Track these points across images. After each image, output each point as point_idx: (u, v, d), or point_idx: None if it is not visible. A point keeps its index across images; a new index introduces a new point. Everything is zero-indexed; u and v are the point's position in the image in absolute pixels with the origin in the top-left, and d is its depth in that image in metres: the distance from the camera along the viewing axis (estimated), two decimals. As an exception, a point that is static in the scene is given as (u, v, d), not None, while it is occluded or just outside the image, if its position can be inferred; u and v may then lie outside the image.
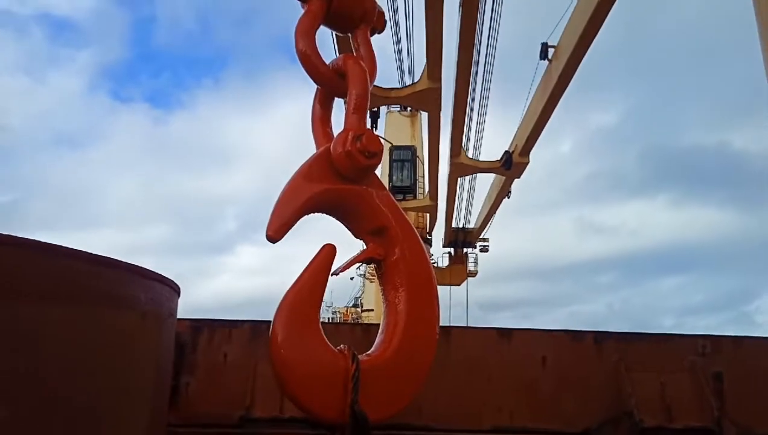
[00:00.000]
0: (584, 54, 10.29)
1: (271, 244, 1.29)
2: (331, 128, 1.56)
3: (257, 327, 5.35)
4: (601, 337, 3.72)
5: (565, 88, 11.19)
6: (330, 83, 1.52)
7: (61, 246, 1.03)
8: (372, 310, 22.25)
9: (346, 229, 1.49)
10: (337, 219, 1.48)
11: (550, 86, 11.26)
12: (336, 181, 1.39)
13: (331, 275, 1.35)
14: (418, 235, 1.52)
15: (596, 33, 9.93)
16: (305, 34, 1.48)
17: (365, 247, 1.45)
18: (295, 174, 1.37)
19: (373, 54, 1.63)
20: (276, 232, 1.29)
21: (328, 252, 1.33)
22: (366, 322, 22.01)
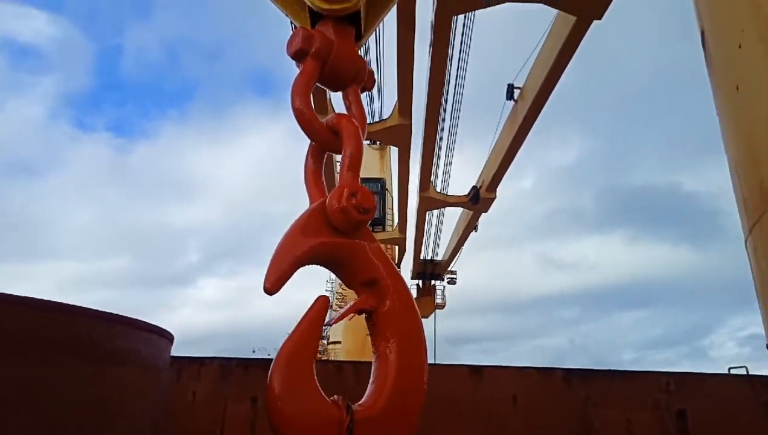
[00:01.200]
0: (548, 96, 10.73)
1: (269, 296, 1.33)
2: (323, 182, 1.63)
3: (227, 365, 5.24)
4: (569, 374, 3.82)
5: (530, 128, 11.60)
6: (324, 140, 1.59)
7: (66, 304, 1.05)
8: (339, 341, 21.99)
9: (339, 278, 1.54)
10: (331, 270, 1.53)
11: (516, 125, 11.65)
12: (331, 234, 1.45)
13: (325, 326, 1.39)
14: (406, 284, 1.59)
15: (560, 76, 10.39)
16: (301, 93, 1.56)
17: (357, 297, 1.51)
18: (291, 227, 1.43)
19: (364, 112, 1.72)
20: (273, 285, 1.33)
21: (322, 304, 1.38)
22: (332, 355, 21.65)
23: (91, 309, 1.04)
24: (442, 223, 19.55)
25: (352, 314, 1.48)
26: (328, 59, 1.63)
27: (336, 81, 1.69)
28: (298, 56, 1.61)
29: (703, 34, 2.06)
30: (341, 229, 1.46)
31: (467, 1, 8.84)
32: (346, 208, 1.43)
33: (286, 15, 1.90)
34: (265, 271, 1.34)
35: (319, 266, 1.48)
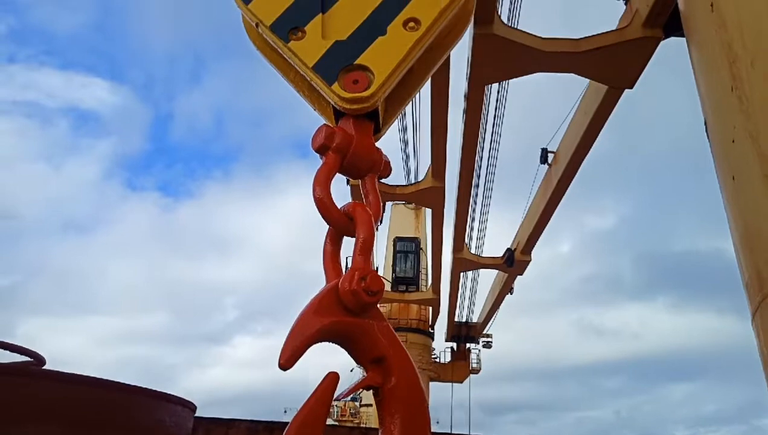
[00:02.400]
0: (582, 161, 10.80)
1: (283, 371, 1.46)
2: (340, 264, 1.78)
3: (254, 428, 5.32)
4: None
5: (564, 192, 11.63)
6: (341, 225, 1.75)
7: (87, 377, 1.20)
8: (371, 404, 21.59)
9: (349, 355, 1.66)
10: (342, 347, 1.65)
11: (550, 189, 11.71)
12: (342, 314, 1.58)
13: (334, 401, 1.50)
14: (414, 363, 1.69)
15: (593, 142, 10.50)
16: (322, 183, 1.74)
17: (365, 374, 1.62)
18: (306, 307, 1.56)
19: (379, 200, 1.88)
20: (287, 361, 1.46)
21: (332, 380, 1.49)
22: (364, 418, 21.23)
23: (112, 381, 1.18)
24: (477, 283, 19.42)
25: (361, 389, 1.59)
26: (347, 153, 1.81)
27: (355, 171, 1.87)
28: (321, 150, 1.80)
29: (705, 123, 2.17)
30: (352, 309, 1.59)
31: (499, 71, 9.15)
32: (356, 290, 1.56)
33: (314, 109, 2.12)
34: (281, 348, 1.47)
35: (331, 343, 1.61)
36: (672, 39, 8.10)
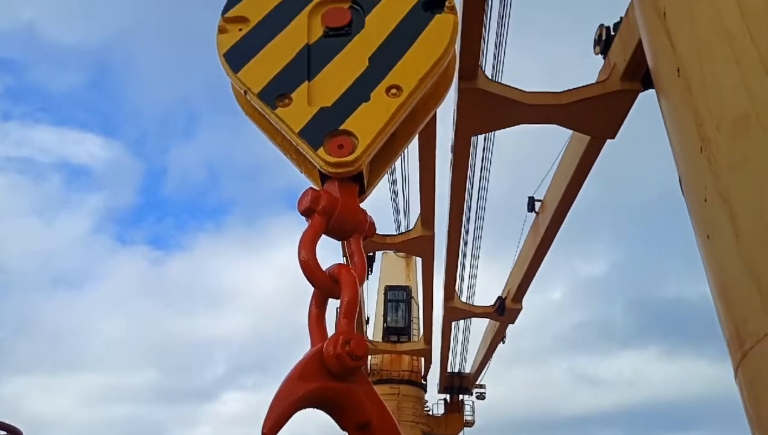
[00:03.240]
0: (568, 209, 10.96)
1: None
2: (325, 327, 1.78)
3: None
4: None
5: (552, 240, 11.72)
6: (326, 288, 1.77)
7: None
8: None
9: (333, 420, 1.64)
10: (326, 413, 1.64)
11: (539, 237, 11.81)
12: (327, 379, 1.57)
13: None
14: (398, 426, 1.67)
15: (578, 190, 10.68)
16: (307, 246, 1.76)
17: (351, 440, 1.60)
18: (290, 373, 1.56)
19: (364, 261, 1.91)
20: (271, 429, 1.45)
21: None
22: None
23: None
24: (469, 332, 19.22)
25: None
26: (333, 215, 1.85)
27: (340, 233, 1.90)
28: (307, 213, 1.84)
29: (680, 181, 2.24)
30: (336, 374, 1.58)
31: (484, 124, 9.39)
32: (340, 355, 1.56)
33: (301, 172, 2.17)
34: (265, 414, 1.46)
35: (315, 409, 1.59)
36: (651, 90, 8.41)
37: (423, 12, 2.16)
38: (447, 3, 2.17)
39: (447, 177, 11.41)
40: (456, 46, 2.20)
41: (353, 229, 1.92)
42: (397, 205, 17.10)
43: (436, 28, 2.12)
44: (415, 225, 12.90)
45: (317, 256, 1.79)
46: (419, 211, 12.57)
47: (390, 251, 22.83)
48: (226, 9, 2.24)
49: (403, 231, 14.03)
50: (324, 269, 1.79)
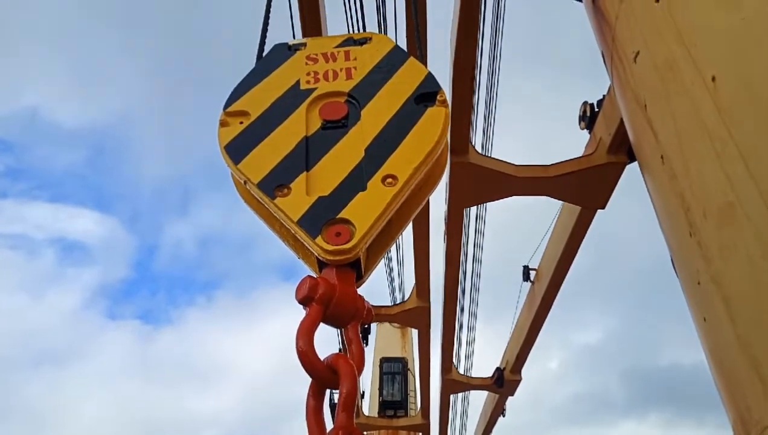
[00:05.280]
0: (563, 278, 10.94)
1: None
2: (323, 421, 1.75)
3: None
4: None
5: (549, 309, 11.63)
6: (324, 378, 1.75)
7: None
8: None
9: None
10: None
11: (535, 307, 11.71)
12: (326, 477, 1.53)
13: None
14: None
15: (572, 260, 10.71)
16: (305, 336, 1.76)
17: None
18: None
19: (362, 349, 1.91)
20: None
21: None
22: None
23: None
24: (468, 404, 18.60)
25: None
26: (331, 303, 1.86)
27: (338, 321, 1.91)
28: (305, 302, 1.85)
29: (672, 262, 2.28)
30: (337, 471, 1.54)
31: (476, 196, 9.55)
32: (340, 452, 1.53)
33: (298, 257, 2.20)
34: None
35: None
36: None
37: (415, 105, 2.28)
38: (438, 97, 2.29)
39: (441, 247, 11.46)
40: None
41: (351, 317, 1.93)
42: (391, 275, 17.04)
43: (428, 120, 2.23)
44: (410, 296, 12.81)
45: (315, 347, 1.78)
46: (414, 282, 12.51)
47: (386, 324, 22.50)
48: (227, 103, 2.35)
49: (398, 301, 13.90)
50: (322, 359, 1.78)
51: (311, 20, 5.77)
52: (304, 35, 5.83)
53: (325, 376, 1.74)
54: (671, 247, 2.21)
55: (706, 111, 1.79)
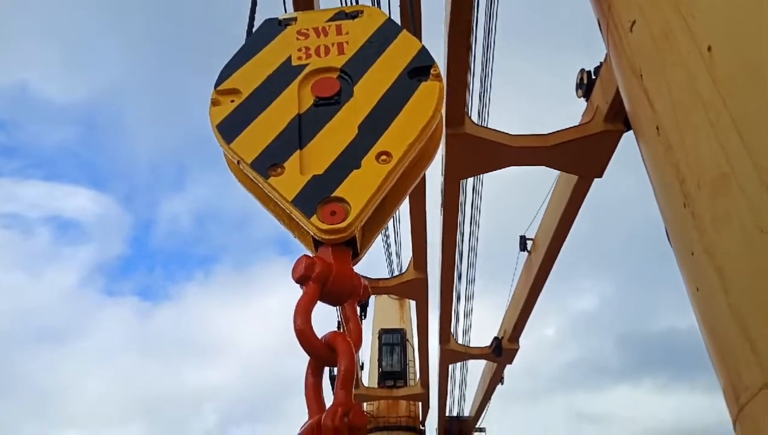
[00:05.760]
0: (560, 248, 11.01)
1: None
2: (322, 397, 1.78)
3: None
4: None
5: (546, 278, 11.73)
6: (322, 356, 1.77)
7: None
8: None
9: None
10: None
11: (532, 276, 11.82)
12: (327, 451, 1.56)
13: None
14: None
15: (569, 229, 10.76)
16: (302, 314, 1.77)
17: None
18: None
19: (360, 326, 1.92)
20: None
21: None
22: None
23: None
24: (466, 374, 18.93)
25: None
26: (327, 282, 1.87)
27: (335, 299, 1.92)
28: (301, 281, 1.86)
29: (667, 233, 2.29)
30: (336, 446, 1.57)
31: (472, 167, 9.53)
32: (338, 427, 1.55)
33: (294, 236, 2.20)
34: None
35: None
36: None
37: (409, 80, 2.24)
38: (432, 71, 2.26)
39: (437, 219, 11.49)
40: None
41: (348, 295, 1.93)
42: (388, 247, 17.11)
43: (422, 95, 2.20)
44: (407, 268, 12.88)
45: (312, 325, 1.80)
46: (411, 254, 12.58)
47: (384, 296, 22.68)
48: (218, 82, 2.31)
49: (396, 274, 13.99)
50: (320, 337, 1.80)
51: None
52: (296, 9, 5.73)
53: (323, 354, 1.76)
54: (666, 217, 2.22)
55: (702, 82, 1.77)
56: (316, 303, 1.85)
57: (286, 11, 5.56)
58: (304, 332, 1.76)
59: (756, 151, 1.56)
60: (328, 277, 1.87)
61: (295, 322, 1.77)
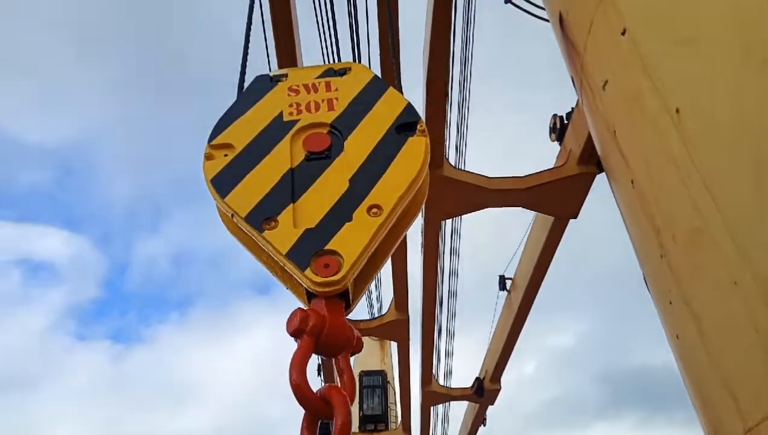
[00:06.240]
0: (539, 287, 11.13)
1: None
2: (317, 452, 1.79)
3: None
4: None
5: (525, 318, 11.79)
6: (318, 410, 1.79)
7: None
8: None
9: None
10: None
11: (512, 316, 11.87)
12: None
13: None
14: None
15: (547, 268, 10.91)
16: (298, 368, 1.80)
17: None
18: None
19: (353, 378, 1.95)
20: None
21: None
22: None
23: None
24: (448, 413, 18.63)
25: None
26: (322, 334, 1.90)
27: (329, 351, 1.95)
28: (296, 334, 1.89)
29: (645, 281, 2.39)
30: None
31: (451, 209, 9.69)
32: (336, 483, 1.57)
33: (286, 288, 2.23)
34: None
35: None
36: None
37: (397, 135, 2.34)
38: (418, 127, 2.37)
39: (418, 259, 11.55)
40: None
41: (342, 347, 1.97)
42: (369, 289, 17.05)
43: (409, 150, 2.29)
44: (388, 309, 12.84)
45: (308, 379, 1.82)
46: (392, 295, 12.56)
47: (364, 338, 22.29)
48: (212, 136, 2.38)
49: (376, 315, 13.91)
50: (315, 391, 1.82)
51: (287, 52, 5.84)
52: (280, 64, 5.89)
53: (318, 407, 1.78)
54: (644, 266, 2.32)
55: (672, 141, 1.90)
56: (310, 356, 1.87)
57: (270, 65, 5.71)
58: (300, 386, 1.78)
59: (725, 208, 1.68)
60: (323, 330, 1.90)
61: (290, 376, 1.80)
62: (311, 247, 2.02)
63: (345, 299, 2.05)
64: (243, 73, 2.86)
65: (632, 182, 2.21)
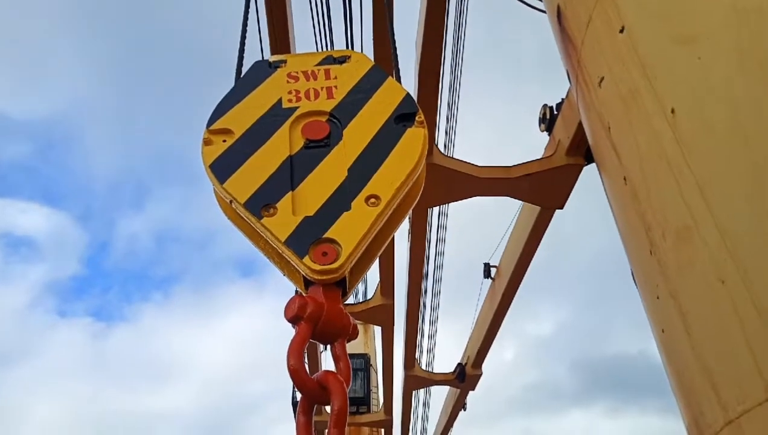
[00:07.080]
0: (523, 276, 11.27)
1: None
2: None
3: None
4: None
5: (508, 306, 11.96)
6: (314, 395, 1.83)
7: None
8: None
9: None
10: None
11: (495, 303, 12.02)
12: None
13: None
14: None
15: (532, 257, 11.04)
16: (296, 354, 1.83)
17: None
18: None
19: (349, 364, 1.99)
20: None
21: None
22: None
23: None
24: (429, 398, 18.91)
25: None
26: (319, 321, 1.93)
27: (326, 338, 1.98)
28: (294, 321, 1.92)
29: (633, 275, 2.45)
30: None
31: (440, 196, 9.73)
32: (333, 468, 1.61)
33: (284, 274, 2.25)
34: None
35: None
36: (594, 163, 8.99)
37: (395, 126, 2.36)
38: (417, 118, 2.39)
39: (404, 245, 11.61)
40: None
41: (339, 334, 2.00)
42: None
43: (408, 140, 2.32)
44: (374, 294, 12.92)
45: (305, 365, 1.85)
46: (378, 280, 12.63)
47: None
48: (210, 121, 2.37)
49: (362, 299, 13.99)
50: (312, 377, 1.86)
51: (281, 39, 5.79)
52: (273, 51, 5.83)
53: (315, 393, 1.81)
54: (632, 261, 2.38)
55: (666, 141, 1.94)
56: (308, 342, 1.91)
57: (262, 51, 5.66)
58: (297, 372, 1.81)
59: (716, 208, 1.73)
60: (320, 317, 1.93)
61: (288, 361, 1.83)
62: (310, 235, 2.04)
63: (342, 287, 2.08)
64: (241, 58, 2.85)
65: (624, 179, 2.26)
